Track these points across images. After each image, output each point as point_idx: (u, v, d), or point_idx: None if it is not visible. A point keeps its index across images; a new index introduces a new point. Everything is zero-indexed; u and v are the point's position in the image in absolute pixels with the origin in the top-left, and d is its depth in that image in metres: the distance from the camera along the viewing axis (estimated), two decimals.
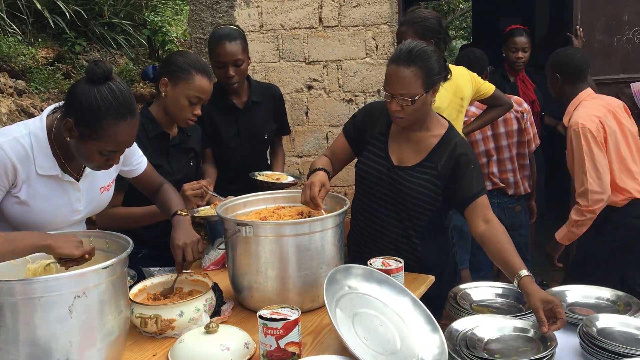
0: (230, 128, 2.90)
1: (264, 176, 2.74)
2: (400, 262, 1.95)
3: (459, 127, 2.97)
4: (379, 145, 2.25)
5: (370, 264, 1.93)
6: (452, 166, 2.13)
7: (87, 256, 1.56)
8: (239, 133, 2.91)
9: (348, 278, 1.76)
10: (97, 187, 1.98)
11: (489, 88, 3.13)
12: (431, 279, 2.13)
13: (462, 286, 2.10)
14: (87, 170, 1.92)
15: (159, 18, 5.71)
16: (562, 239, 2.92)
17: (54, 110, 1.84)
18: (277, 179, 2.72)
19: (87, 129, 1.67)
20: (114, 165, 1.87)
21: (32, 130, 1.78)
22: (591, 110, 2.89)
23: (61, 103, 1.82)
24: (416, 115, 2.09)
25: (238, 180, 2.77)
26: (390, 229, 2.22)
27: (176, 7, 7.21)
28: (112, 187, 2.06)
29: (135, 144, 2.01)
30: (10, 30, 4.68)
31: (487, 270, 3.73)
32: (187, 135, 2.54)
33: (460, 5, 13.93)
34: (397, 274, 1.91)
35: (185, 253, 1.88)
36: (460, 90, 2.96)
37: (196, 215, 2.39)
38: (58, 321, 1.39)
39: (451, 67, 3.00)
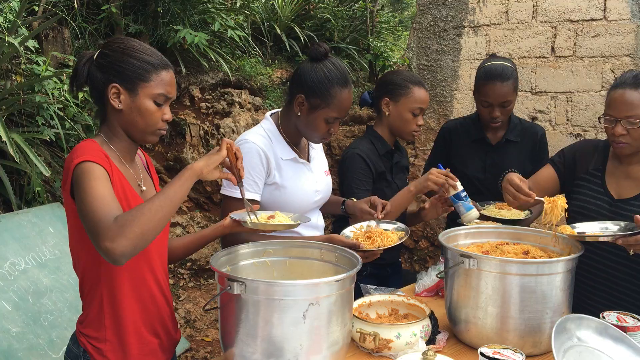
0: (477, 161, 2.77)
1: None
2: (639, 320, 1.76)
3: None
4: (596, 181, 2.14)
5: (604, 317, 1.77)
6: None
7: None
8: (485, 168, 2.75)
9: (579, 329, 1.62)
10: (322, 169, 2.24)
11: None
12: None
13: None
14: (312, 154, 2.20)
15: (382, 44, 5.93)
16: None
17: (272, 114, 2.17)
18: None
19: (318, 98, 1.98)
20: (323, 158, 2.26)
21: (265, 127, 2.11)
22: None
23: (277, 110, 2.18)
24: None
25: None
26: (620, 269, 2.03)
27: (397, 33, 7.44)
28: (330, 176, 2.29)
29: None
30: (253, 52, 5.24)
31: None
32: (402, 154, 2.68)
33: None
34: (635, 333, 1.72)
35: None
36: None
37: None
38: (292, 324, 1.49)
39: None
